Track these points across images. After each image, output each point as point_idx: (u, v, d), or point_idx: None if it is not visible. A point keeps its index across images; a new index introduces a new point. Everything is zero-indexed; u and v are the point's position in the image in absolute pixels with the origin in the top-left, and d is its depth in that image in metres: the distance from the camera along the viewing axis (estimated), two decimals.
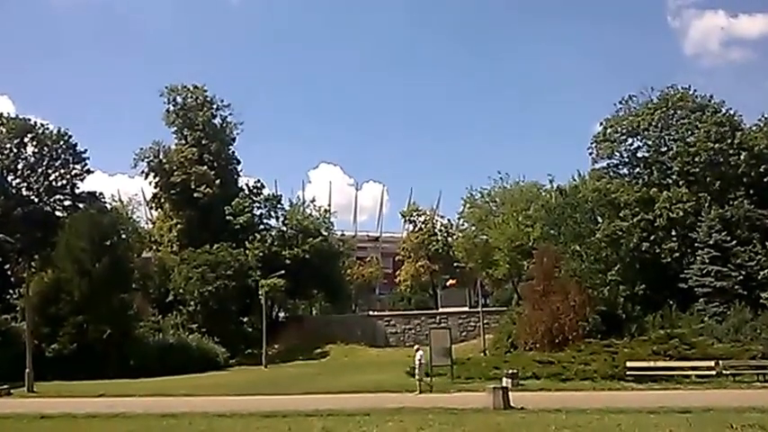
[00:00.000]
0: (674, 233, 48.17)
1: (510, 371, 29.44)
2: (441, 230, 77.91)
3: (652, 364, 30.03)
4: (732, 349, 32.40)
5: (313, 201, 71.71)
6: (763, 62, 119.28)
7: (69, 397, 31.15)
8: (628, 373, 29.79)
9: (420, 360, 29.07)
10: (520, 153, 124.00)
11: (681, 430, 15.01)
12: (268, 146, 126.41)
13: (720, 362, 29.32)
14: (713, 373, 28.93)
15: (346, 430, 16.61)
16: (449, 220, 78.09)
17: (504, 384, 25.40)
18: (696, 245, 45.79)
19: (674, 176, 49.90)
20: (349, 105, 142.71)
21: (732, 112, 51.43)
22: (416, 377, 28.75)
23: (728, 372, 29.03)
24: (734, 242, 44.51)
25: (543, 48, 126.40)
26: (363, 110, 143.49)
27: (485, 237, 62.47)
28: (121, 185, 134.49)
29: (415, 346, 32.73)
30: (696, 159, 48.84)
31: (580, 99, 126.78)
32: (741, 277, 43.13)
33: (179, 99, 68.91)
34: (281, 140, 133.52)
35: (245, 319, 59.75)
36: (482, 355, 44.84)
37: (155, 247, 69.34)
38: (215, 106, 69.42)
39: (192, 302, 57.24)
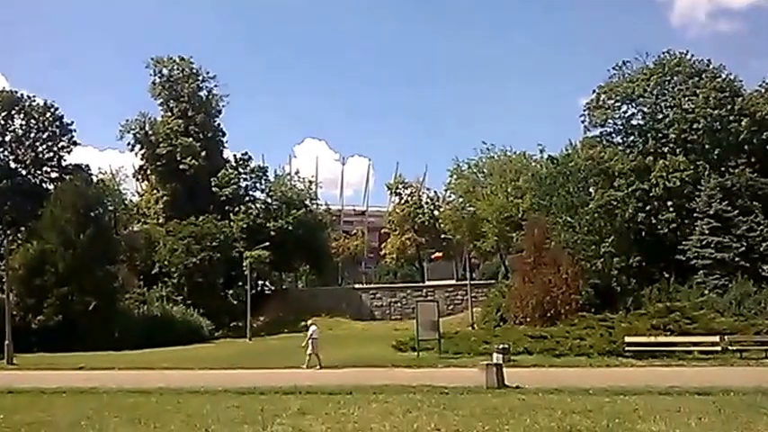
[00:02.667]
0: (670, 203, 46.58)
1: (501, 345, 27.88)
2: (427, 203, 76.45)
3: (652, 339, 28.34)
4: (736, 324, 30.83)
5: (297, 173, 71.63)
6: (750, 33, 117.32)
7: (48, 369, 30.50)
8: (626, 348, 28.09)
9: (312, 335, 28.03)
10: (506, 127, 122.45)
11: (711, 417, 13.27)
12: (253, 121, 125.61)
13: (726, 337, 27.88)
14: (718, 348, 27.29)
15: (324, 412, 14.96)
16: (435, 192, 76.76)
17: (496, 360, 23.87)
18: (695, 215, 44.36)
19: (670, 144, 48.34)
20: (333, 80, 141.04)
21: (732, 77, 49.84)
22: (307, 352, 27.70)
23: (734, 348, 27.44)
24: (735, 212, 42.99)
25: (528, 20, 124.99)
26: (348, 84, 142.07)
27: (472, 208, 61.28)
28: (112, 160, 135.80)
29: (309, 321, 31.40)
30: (694, 126, 47.31)
31: (564, 72, 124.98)
32: (742, 248, 41.71)
33: (165, 71, 69.26)
34: (267, 116, 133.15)
35: (230, 292, 58.97)
36: (470, 329, 43.85)
37: (142, 220, 69.83)
38: (201, 78, 69.64)
39: (176, 274, 57.20)
